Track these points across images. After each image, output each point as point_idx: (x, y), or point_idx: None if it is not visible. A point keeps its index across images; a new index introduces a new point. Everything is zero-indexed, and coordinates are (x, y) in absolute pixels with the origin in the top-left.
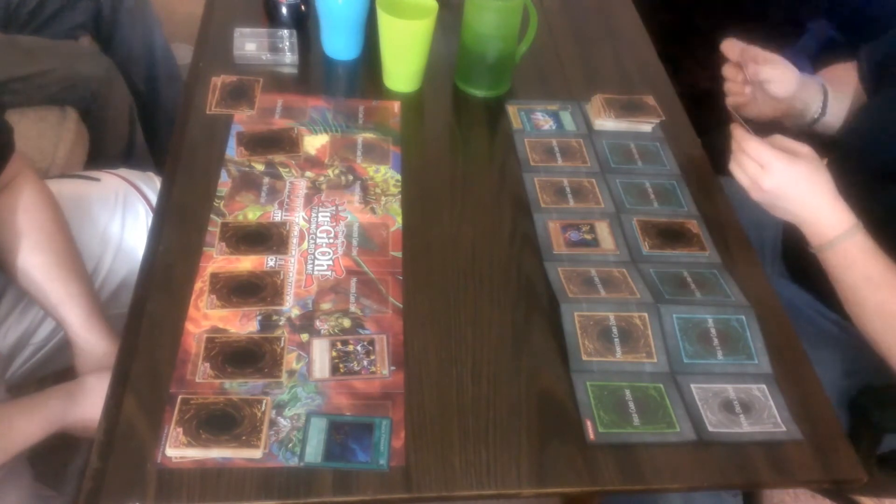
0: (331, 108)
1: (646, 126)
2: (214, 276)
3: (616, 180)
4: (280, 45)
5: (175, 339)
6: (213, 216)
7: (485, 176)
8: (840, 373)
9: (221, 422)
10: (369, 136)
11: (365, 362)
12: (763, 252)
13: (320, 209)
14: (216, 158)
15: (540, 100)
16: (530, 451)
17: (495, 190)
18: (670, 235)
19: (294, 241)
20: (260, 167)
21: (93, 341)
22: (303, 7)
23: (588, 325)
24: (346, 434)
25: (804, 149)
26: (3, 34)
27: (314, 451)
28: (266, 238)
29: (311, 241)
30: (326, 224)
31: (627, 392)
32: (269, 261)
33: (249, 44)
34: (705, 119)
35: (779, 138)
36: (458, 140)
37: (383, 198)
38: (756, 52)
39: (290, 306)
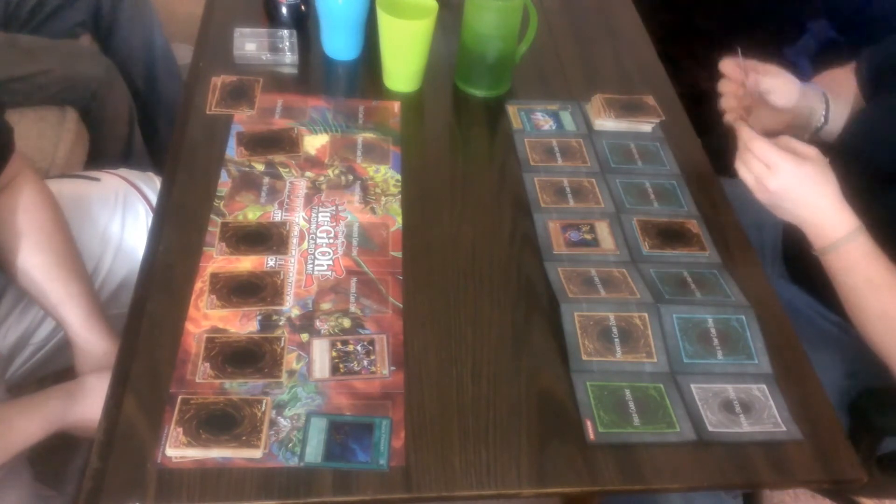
0: (331, 108)
1: (646, 126)
2: (214, 276)
3: (616, 180)
4: (280, 45)
5: (175, 339)
6: (213, 216)
7: (485, 176)
8: (840, 374)
9: (221, 422)
10: (369, 136)
11: (365, 362)
12: (763, 253)
13: (320, 209)
14: (216, 158)
15: (540, 100)
16: (530, 451)
17: (495, 190)
18: (670, 235)
19: (294, 241)
20: (260, 167)
21: (93, 341)
22: (303, 7)
23: (588, 325)
24: (346, 434)
25: (811, 151)
26: (4, 33)
27: (314, 451)
28: (266, 238)
29: (311, 241)
30: (326, 224)
31: (627, 392)
32: (269, 261)
33: (249, 44)
34: (705, 119)
35: (786, 139)
36: (458, 140)
37: (383, 198)
38: (755, 64)
39: (290, 306)
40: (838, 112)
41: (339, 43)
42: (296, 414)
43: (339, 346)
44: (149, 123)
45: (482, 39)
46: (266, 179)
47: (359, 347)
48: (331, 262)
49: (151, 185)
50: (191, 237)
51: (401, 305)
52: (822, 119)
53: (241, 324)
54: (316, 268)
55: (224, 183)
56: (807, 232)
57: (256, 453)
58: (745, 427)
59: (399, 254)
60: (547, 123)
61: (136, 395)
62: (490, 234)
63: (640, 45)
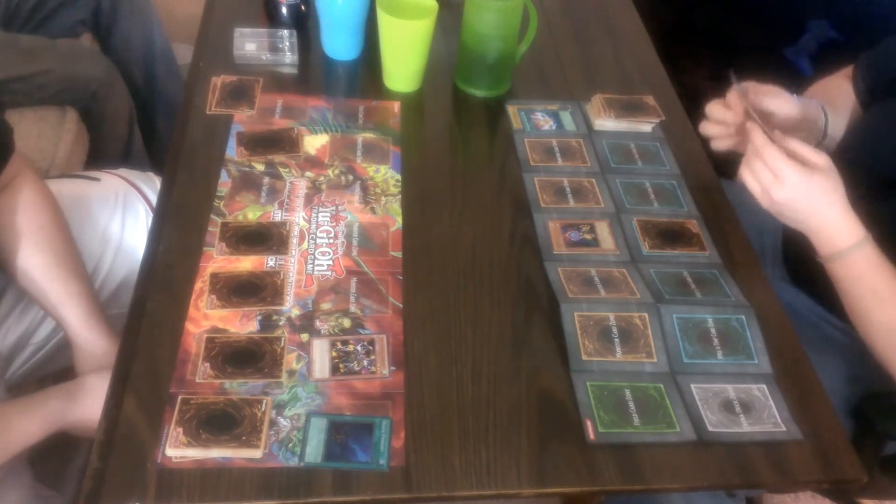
0: (331, 108)
1: (646, 126)
2: (214, 276)
3: (616, 180)
4: (280, 45)
5: (175, 339)
6: (213, 216)
7: (485, 176)
8: (843, 378)
9: (221, 422)
10: (369, 136)
11: (365, 362)
12: (763, 256)
13: (320, 209)
14: (216, 158)
15: (540, 100)
16: (530, 451)
17: (495, 190)
18: (670, 235)
19: (294, 241)
20: (260, 167)
21: (93, 341)
22: (303, 7)
23: (588, 325)
24: (346, 434)
25: (821, 159)
26: (4, 33)
27: (314, 451)
28: (266, 238)
29: (311, 241)
30: (326, 224)
31: (627, 392)
32: (269, 261)
33: (249, 44)
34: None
35: (795, 144)
36: (458, 140)
37: (383, 198)
38: (754, 85)
39: (290, 306)
40: (836, 123)
41: (339, 43)
42: (296, 414)
43: (339, 346)
44: (149, 123)
45: (482, 39)
46: (266, 179)
47: (359, 347)
48: (331, 262)
49: (151, 185)
50: (191, 237)
51: (401, 305)
52: (822, 133)
53: (241, 324)
54: (316, 268)
55: (224, 183)
56: (812, 239)
57: (256, 453)
58: (745, 427)
59: (399, 254)
60: (547, 123)
61: (136, 395)
62: (490, 234)
63: (640, 45)
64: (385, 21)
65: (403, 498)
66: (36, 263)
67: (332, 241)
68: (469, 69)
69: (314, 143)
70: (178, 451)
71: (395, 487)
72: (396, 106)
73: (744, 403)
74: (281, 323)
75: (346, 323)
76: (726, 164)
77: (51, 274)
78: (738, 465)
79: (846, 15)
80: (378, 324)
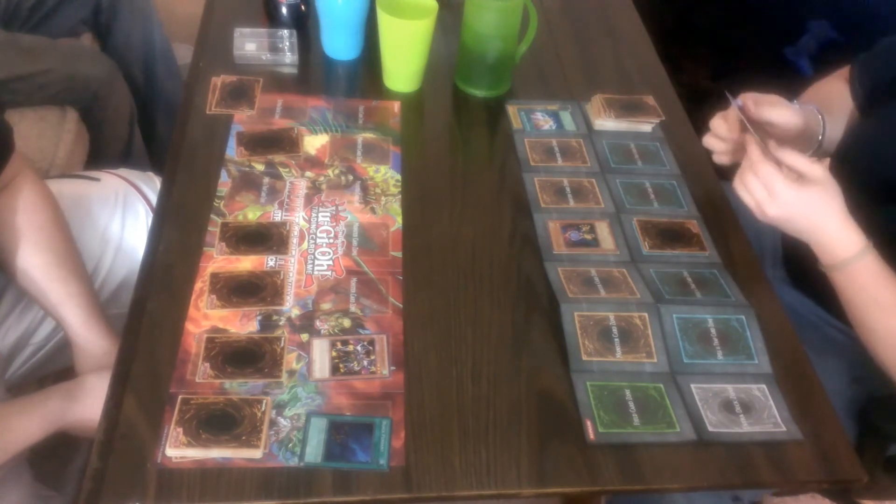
0: (331, 108)
1: (646, 126)
2: (214, 276)
3: (616, 180)
4: (280, 45)
5: (175, 339)
6: (213, 216)
7: (485, 176)
8: (846, 381)
9: (221, 422)
10: (369, 136)
11: (365, 362)
12: (763, 259)
13: (320, 209)
14: (216, 158)
15: (540, 100)
16: (530, 451)
17: (495, 190)
18: (670, 235)
19: (294, 241)
20: (260, 167)
21: (93, 341)
22: (303, 7)
23: (588, 325)
24: (346, 434)
25: (817, 171)
26: (4, 33)
27: (314, 451)
28: (266, 238)
29: (311, 241)
30: (326, 224)
31: (627, 392)
32: (269, 261)
33: (249, 44)
34: (705, 119)
35: (791, 156)
36: (458, 140)
37: (383, 198)
38: (755, 95)
39: (290, 306)
40: (833, 129)
41: (339, 43)
42: (296, 414)
43: (339, 346)
44: (149, 123)
45: (482, 39)
46: (266, 179)
47: (359, 347)
48: (331, 262)
49: (151, 185)
50: (191, 237)
51: (401, 305)
52: (819, 140)
53: (241, 324)
54: (316, 268)
55: (224, 183)
56: (814, 249)
57: (256, 453)
58: (745, 427)
59: (399, 254)
60: (547, 123)
61: (136, 395)
62: (490, 234)
63: (640, 45)
64: (385, 21)
65: (403, 498)
66: (36, 263)
67: (332, 241)
68: (469, 69)
69: (314, 143)
70: (178, 451)
71: (395, 487)
72: (396, 106)
73: (744, 403)
74: (281, 323)
75: (346, 323)
76: (726, 168)
77: (51, 274)
78: (738, 465)
79: (846, 15)
80: (378, 324)
